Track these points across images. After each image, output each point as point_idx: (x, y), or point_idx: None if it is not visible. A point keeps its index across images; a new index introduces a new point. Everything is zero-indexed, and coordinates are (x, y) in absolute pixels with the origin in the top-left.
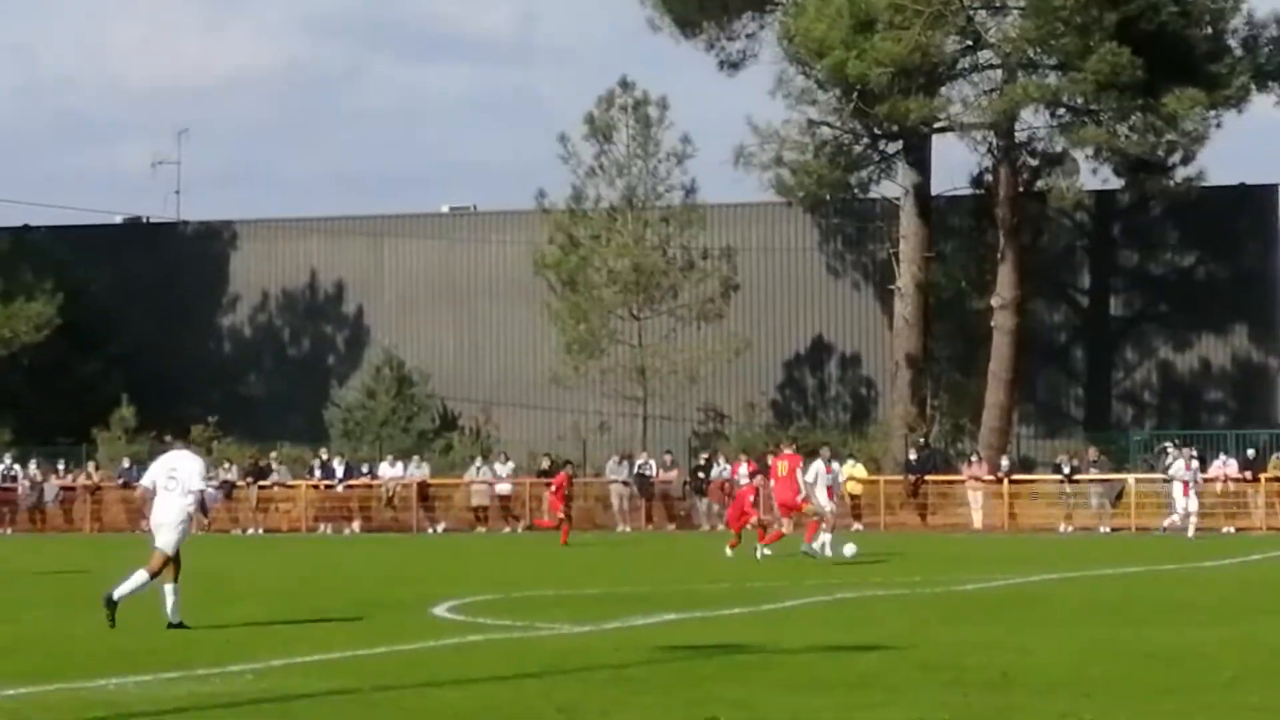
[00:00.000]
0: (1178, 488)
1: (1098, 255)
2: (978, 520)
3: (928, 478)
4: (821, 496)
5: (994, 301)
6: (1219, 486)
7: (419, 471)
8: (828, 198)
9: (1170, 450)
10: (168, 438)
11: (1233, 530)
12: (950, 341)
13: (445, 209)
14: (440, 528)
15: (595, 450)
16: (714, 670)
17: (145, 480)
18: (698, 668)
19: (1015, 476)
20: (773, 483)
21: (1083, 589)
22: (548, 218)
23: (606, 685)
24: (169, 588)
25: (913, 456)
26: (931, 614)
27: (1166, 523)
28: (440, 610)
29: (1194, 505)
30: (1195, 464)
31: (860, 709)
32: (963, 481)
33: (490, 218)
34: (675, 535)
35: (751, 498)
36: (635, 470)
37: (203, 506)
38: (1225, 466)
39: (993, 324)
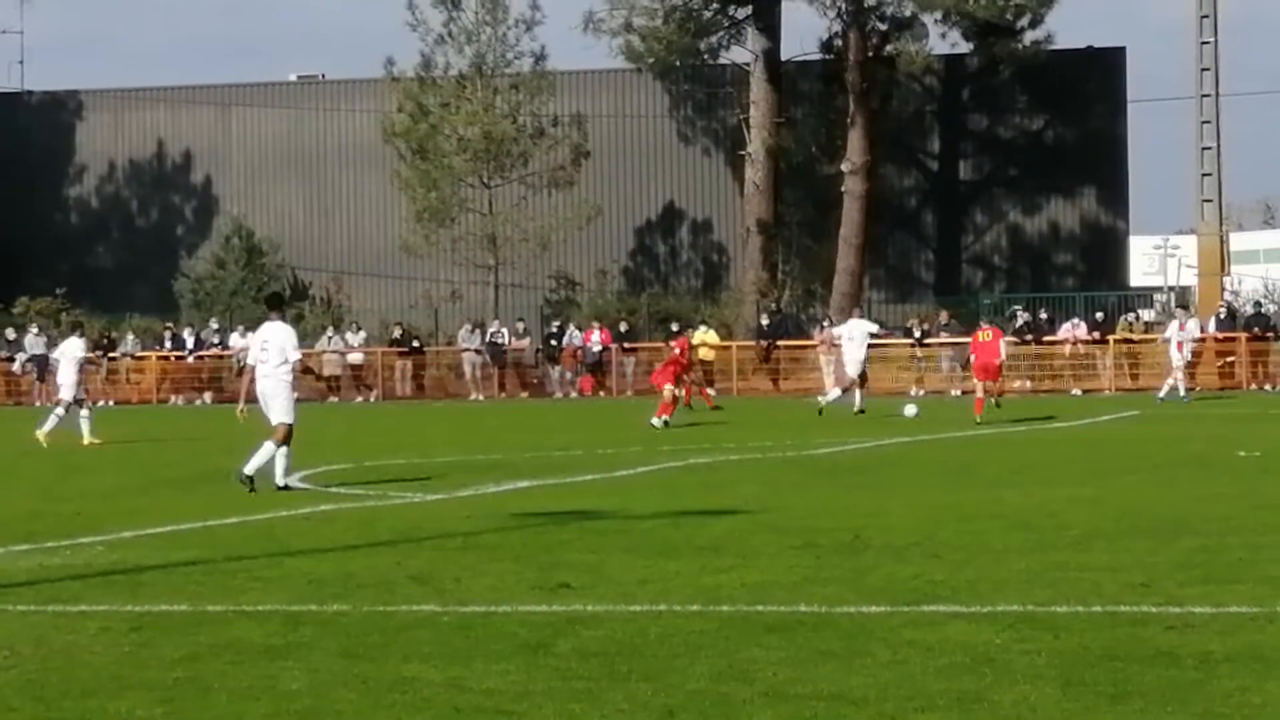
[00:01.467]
0: (1173, 348)
1: (947, 120)
2: (829, 385)
3: (780, 343)
4: None
5: (844, 166)
6: (1068, 349)
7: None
8: (677, 64)
9: (1178, 313)
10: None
11: (1080, 392)
12: (801, 207)
13: (293, 77)
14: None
15: (447, 319)
16: (567, 537)
17: (249, 359)
18: (550, 534)
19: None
20: (972, 356)
21: (933, 452)
22: (396, 86)
23: (459, 552)
24: (281, 450)
25: (765, 322)
26: (784, 479)
27: (1165, 389)
28: (293, 480)
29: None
30: (1190, 324)
31: (711, 573)
32: (814, 346)
33: (339, 86)
34: (528, 403)
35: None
36: (487, 339)
37: (307, 369)
38: (1074, 329)
39: (843, 189)
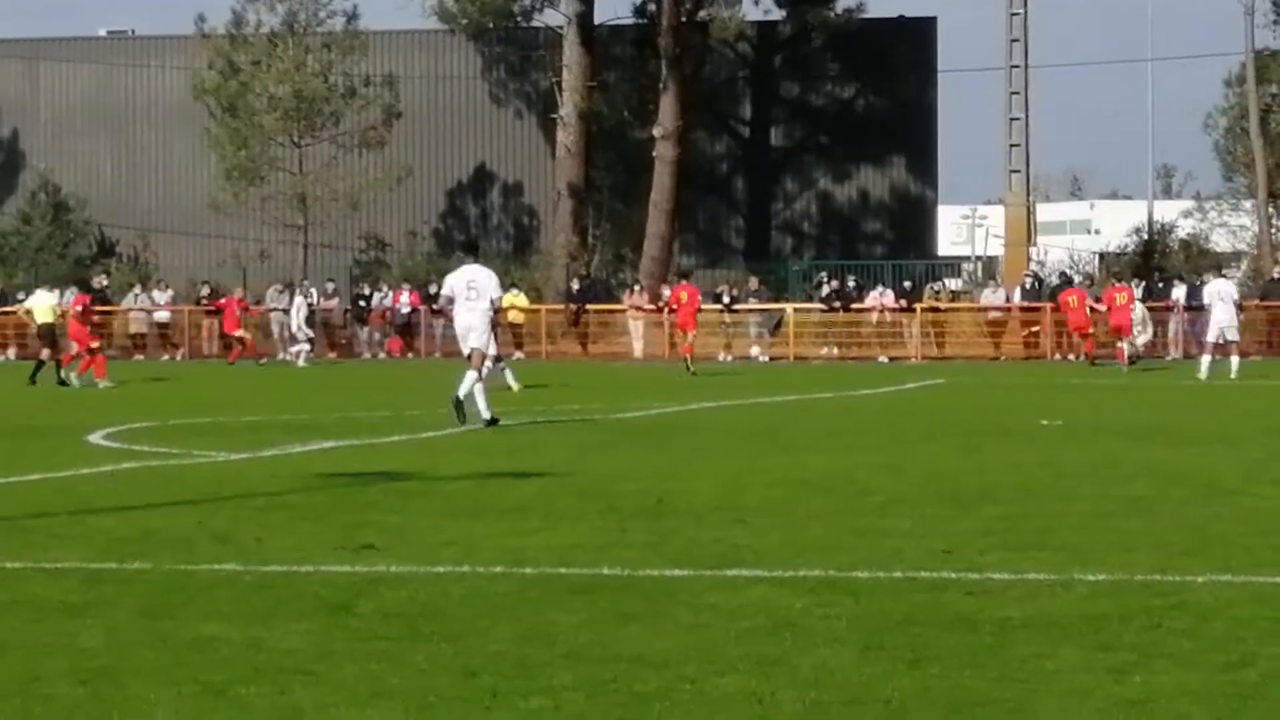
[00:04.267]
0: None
1: (759, 86)
2: (638, 349)
3: (589, 307)
4: None
5: (656, 131)
6: (875, 317)
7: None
8: (491, 25)
9: (1208, 277)
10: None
11: (887, 360)
12: (612, 171)
13: (103, 32)
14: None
15: (256, 279)
16: (372, 497)
17: (445, 291)
18: (356, 495)
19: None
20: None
21: (739, 417)
22: (207, 43)
23: (262, 511)
24: (473, 375)
25: (574, 286)
26: (590, 442)
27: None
28: (95, 438)
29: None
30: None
31: (516, 535)
32: (624, 311)
33: (149, 42)
34: (337, 363)
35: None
36: (297, 298)
37: (498, 310)
38: (882, 297)
39: (654, 154)
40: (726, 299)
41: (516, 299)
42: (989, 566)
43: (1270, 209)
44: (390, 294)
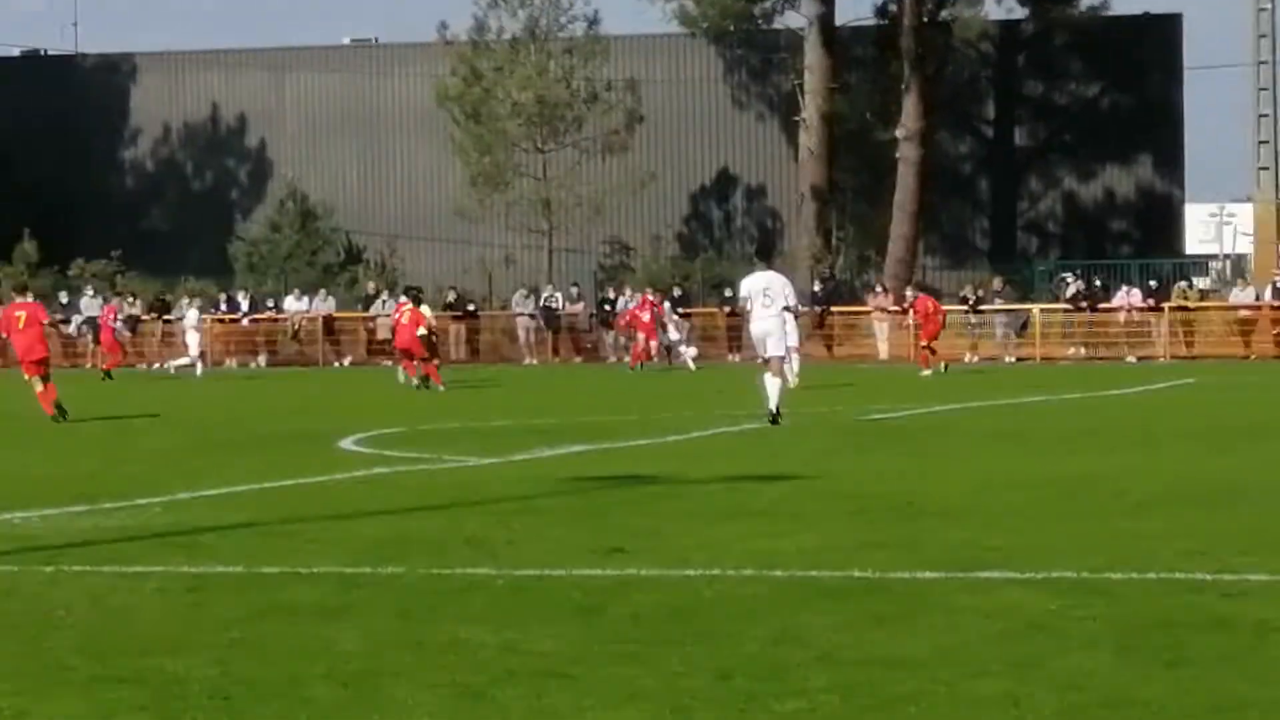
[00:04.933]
0: None
1: (1002, 85)
2: (883, 351)
3: (833, 309)
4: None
5: (899, 133)
6: (1122, 316)
7: (324, 305)
8: (732, 28)
9: None
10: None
11: (1135, 360)
12: (855, 173)
13: (347, 40)
14: (346, 361)
15: (501, 284)
16: (621, 501)
17: (741, 295)
18: (604, 498)
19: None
20: None
21: (987, 419)
22: (450, 50)
23: (514, 515)
24: (770, 382)
25: (818, 288)
26: (838, 444)
27: None
28: (346, 443)
29: None
30: None
31: (765, 537)
32: (868, 312)
33: (392, 49)
34: (582, 367)
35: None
36: (541, 303)
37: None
38: (1129, 296)
39: (898, 155)
40: (971, 299)
41: None
42: (1246, 567)
43: None
44: (635, 298)
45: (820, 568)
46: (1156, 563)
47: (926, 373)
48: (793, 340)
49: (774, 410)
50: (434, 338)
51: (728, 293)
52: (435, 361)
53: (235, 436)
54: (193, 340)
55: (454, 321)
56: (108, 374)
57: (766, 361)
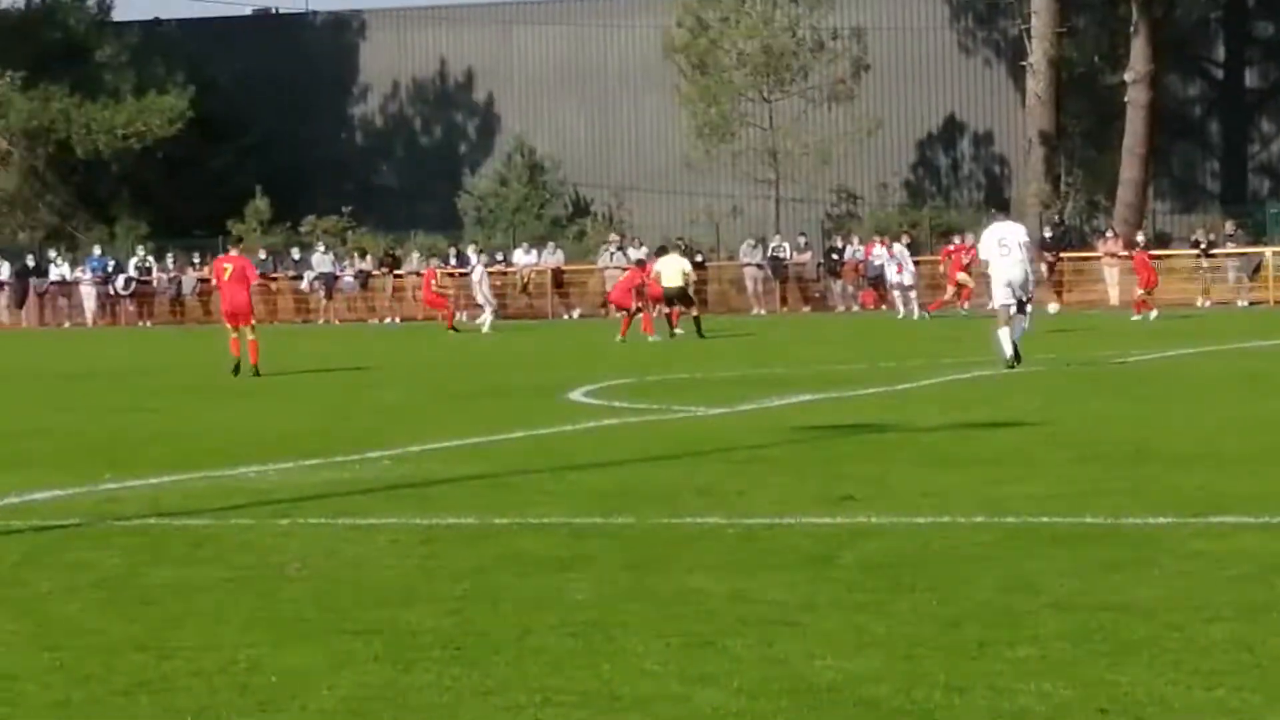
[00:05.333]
0: None
1: (1232, 26)
2: (1114, 296)
3: (1063, 254)
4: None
5: (1127, 76)
6: None
7: (553, 258)
8: None
9: None
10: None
11: None
12: (1083, 118)
13: None
14: (575, 314)
15: (728, 234)
16: (849, 449)
17: (982, 253)
18: (833, 447)
19: (1152, 252)
20: None
21: (1220, 363)
22: (676, 1)
23: (743, 465)
24: (1003, 332)
25: (1048, 234)
26: (1066, 390)
27: None
28: (576, 395)
29: None
30: None
31: (993, 484)
32: (1099, 258)
33: (619, 2)
34: (810, 317)
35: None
36: (769, 253)
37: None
38: None
39: (1126, 99)
40: (1203, 244)
41: None
42: None
43: None
44: (862, 246)
45: (1050, 514)
46: None
47: (1136, 318)
48: (1030, 287)
49: (1012, 354)
50: (689, 288)
51: (954, 240)
52: (651, 312)
53: (465, 389)
54: (486, 292)
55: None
56: (453, 329)
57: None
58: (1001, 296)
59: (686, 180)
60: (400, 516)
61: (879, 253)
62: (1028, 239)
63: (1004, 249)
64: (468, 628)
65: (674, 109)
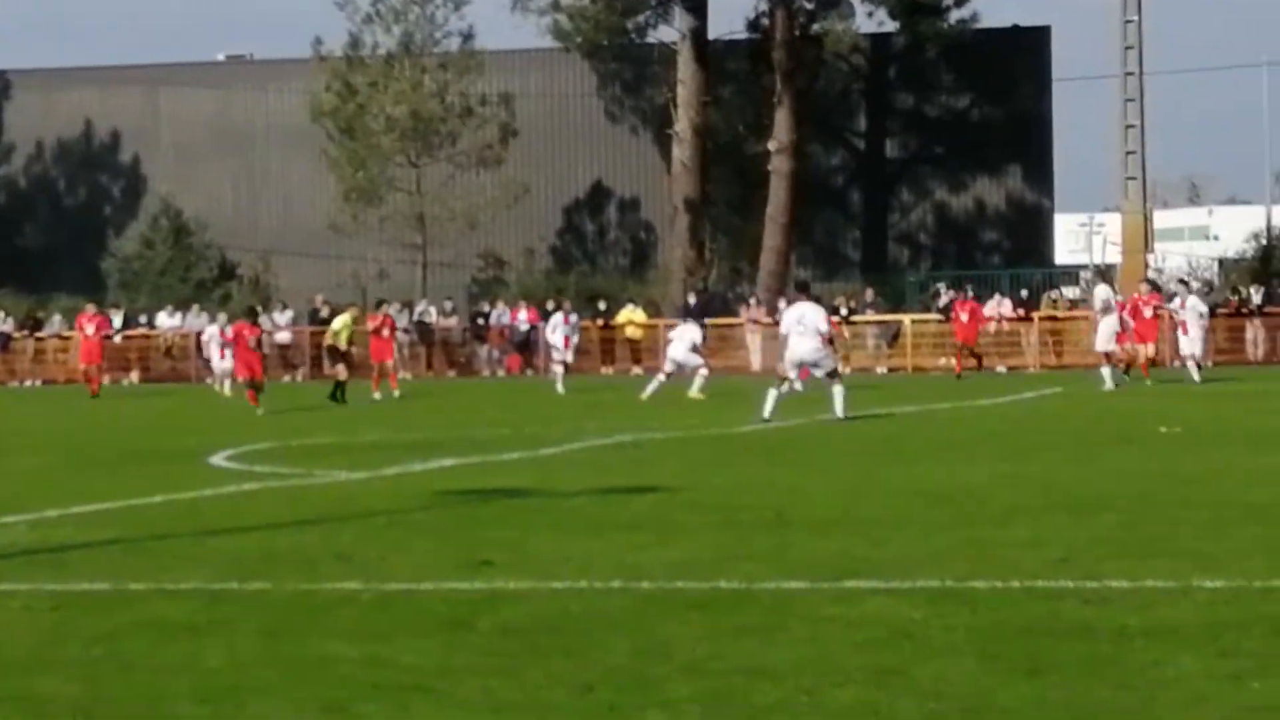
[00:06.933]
0: (1179, 332)
1: (873, 98)
2: (756, 362)
3: (707, 321)
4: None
5: (771, 145)
6: (993, 326)
7: (198, 321)
8: (605, 43)
9: (1179, 289)
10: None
11: (1006, 369)
12: (728, 185)
13: (221, 57)
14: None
15: (375, 298)
16: (491, 514)
17: (782, 328)
18: (475, 512)
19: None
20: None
21: (857, 430)
22: (324, 65)
23: (384, 530)
24: (837, 390)
25: (691, 300)
26: (708, 456)
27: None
28: (217, 459)
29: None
30: (1192, 301)
31: (633, 550)
32: (741, 324)
33: (267, 66)
34: (456, 382)
35: None
36: (415, 318)
37: (832, 342)
38: (1000, 306)
39: (770, 168)
40: (844, 311)
41: (634, 314)
42: (1107, 575)
43: None
44: (508, 311)
45: (686, 579)
46: (1020, 571)
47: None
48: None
49: (766, 416)
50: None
51: (601, 305)
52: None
53: (106, 454)
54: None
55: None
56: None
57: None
58: (788, 369)
59: (334, 244)
60: (33, 582)
61: (556, 320)
62: (825, 323)
63: (801, 328)
64: (98, 694)
65: (322, 172)
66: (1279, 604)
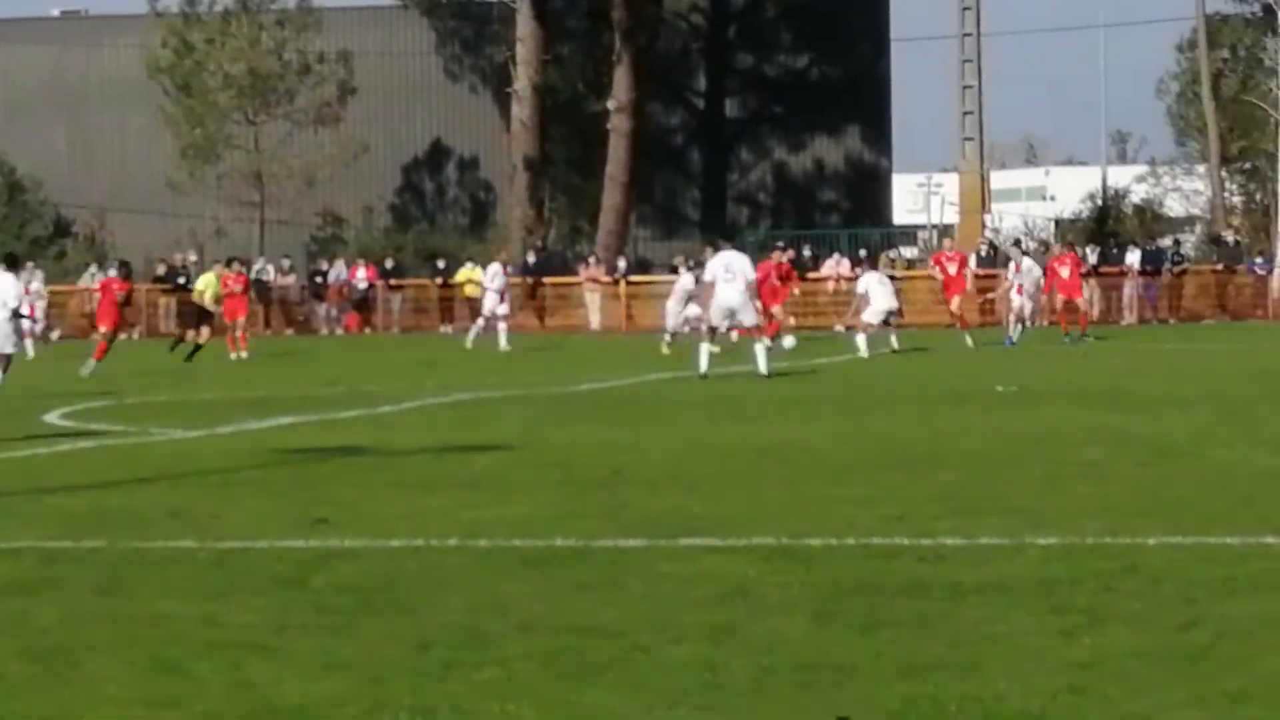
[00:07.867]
0: (1014, 292)
1: (713, 58)
2: (595, 321)
3: (545, 280)
4: None
5: (610, 104)
6: (831, 286)
7: (33, 279)
8: (444, 0)
9: (1012, 252)
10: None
11: (844, 329)
12: (567, 144)
13: (56, 12)
14: (55, 335)
15: (212, 256)
16: (328, 472)
17: (706, 276)
18: (312, 470)
19: (632, 278)
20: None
21: (695, 388)
22: (161, 21)
23: (219, 488)
24: (759, 347)
25: (531, 259)
26: (546, 415)
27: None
28: (51, 417)
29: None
30: (1026, 264)
31: (470, 507)
32: (580, 283)
33: (102, 21)
34: (293, 339)
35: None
36: (253, 275)
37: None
38: (838, 265)
39: (609, 126)
40: (684, 271)
41: (473, 273)
42: (941, 532)
43: (1222, 173)
44: (347, 269)
45: (523, 536)
46: (855, 528)
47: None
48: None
49: (765, 373)
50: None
51: (440, 264)
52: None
53: None
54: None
55: (164, 295)
56: None
57: (723, 331)
58: (716, 318)
59: (171, 201)
60: None
61: (495, 269)
62: (752, 270)
63: (729, 275)
64: None
65: (159, 129)
66: (1110, 560)
